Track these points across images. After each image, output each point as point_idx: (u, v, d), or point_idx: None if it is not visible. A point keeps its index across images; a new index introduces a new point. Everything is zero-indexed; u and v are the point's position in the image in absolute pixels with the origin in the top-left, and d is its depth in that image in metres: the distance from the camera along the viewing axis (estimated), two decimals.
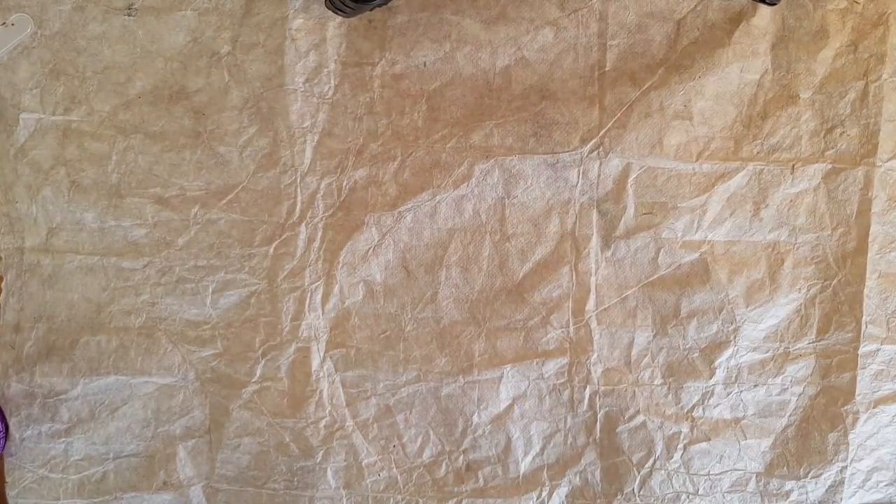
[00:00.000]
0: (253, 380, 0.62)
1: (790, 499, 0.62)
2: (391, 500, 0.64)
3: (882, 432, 0.62)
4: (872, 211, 0.60)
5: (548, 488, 0.63)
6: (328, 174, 0.60)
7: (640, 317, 0.62)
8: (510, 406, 0.63)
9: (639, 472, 0.63)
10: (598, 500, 0.64)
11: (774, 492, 0.62)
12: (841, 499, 0.62)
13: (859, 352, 0.61)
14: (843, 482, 0.62)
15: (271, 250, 0.61)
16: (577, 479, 0.63)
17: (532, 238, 0.61)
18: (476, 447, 0.63)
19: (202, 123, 0.60)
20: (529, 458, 0.63)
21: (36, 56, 0.59)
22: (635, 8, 0.58)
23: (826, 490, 0.62)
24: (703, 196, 0.60)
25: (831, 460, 0.62)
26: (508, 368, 0.62)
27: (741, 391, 0.62)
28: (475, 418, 0.63)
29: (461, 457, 0.63)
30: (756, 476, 0.63)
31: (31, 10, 0.59)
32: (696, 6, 0.58)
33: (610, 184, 0.60)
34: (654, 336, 0.62)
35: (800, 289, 0.61)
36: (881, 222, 0.60)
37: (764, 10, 0.58)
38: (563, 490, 0.63)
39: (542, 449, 0.63)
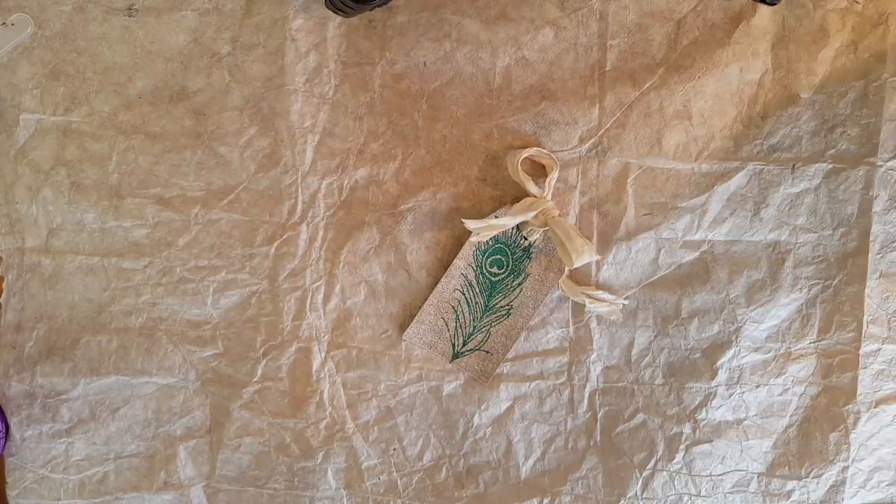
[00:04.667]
0: (254, 380, 0.62)
1: (791, 499, 0.62)
2: (391, 503, 0.64)
3: (883, 432, 0.62)
4: (873, 211, 0.60)
5: (549, 495, 0.63)
6: (329, 174, 0.60)
7: (640, 317, 0.62)
8: (510, 407, 0.63)
9: (641, 474, 0.63)
10: None
11: (776, 492, 0.62)
12: (842, 499, 0.62)
13: (860, 351, 0.61)
14: (845, 482, 0.62)
15: (272, 250, 0.61)
16: (579, 484, 0.63)
17: None
18: (477, 451, 0.63)
19: (203, 124, 0.60)
20: (530, 462, 0.63)
21: (36, 56, 0.59)
22: (635, 8, 0.58)
23: (827, 490, 0.62)
24: (703, 196, 0.60)
25: (832, 460, 0.62)
26: (508, 367, 0.62)
27: (743, 392, 0.62)
28: (476, 419, 0.63)
29: (461, 461, 0.63)
30: (758, 476, 0.63)
31: (31, 11, 0.59)
32: (696, 6, 0.58)
33: (610, 184, 0.60)
34: (655, 336, 0.62)
35: (801, 289, 0.61)
36: (882, 222, 0.60)
37: (764, 10, 0.58)
38: (565, 496, 0.63)
39: (543, 453, 0.63)
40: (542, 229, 0.59)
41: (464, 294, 0.61)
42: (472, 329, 0.61)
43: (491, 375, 0.62)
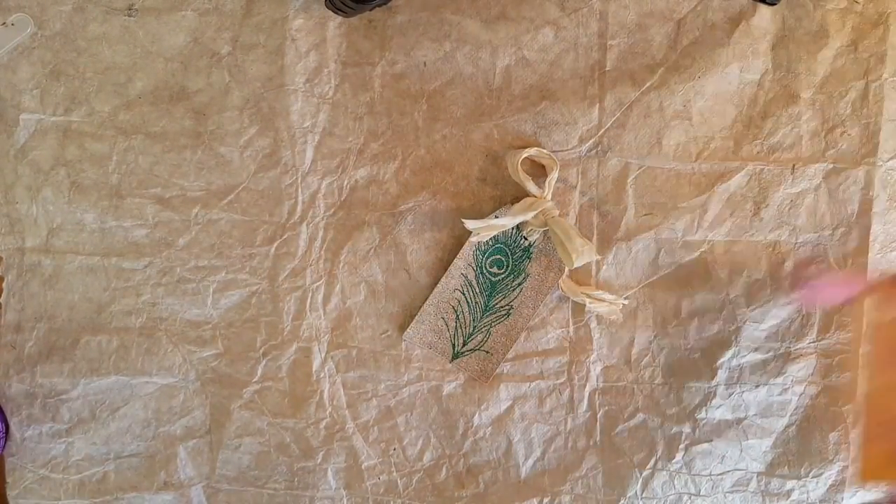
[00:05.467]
0: (254, 380, 0.62)
1: (791, 498, 0.62)
2: (391, 503, 0.64)
3: None
4: (873, 210, 0.60)
5: (549, 494, 0.63)
6: (329, 174, 0.60)
7: (640, 317, 0.62)
8: (510, 407, 0.63)
9: (640, 474, 0.63)
10: None
11: (776, 491, 0.62)
12: (842, 498, 0.62)
13: (860, 351, 0.61)
14: (845, 481, 0.62)
15: (272, 250, 0.61)
16: (579, 484, 0.63)
17: None
18: (477, 450, 0.63)
19: (203, 124, 0.60)
20: (530, 462, 0.63)
21: (36, 56, 0.59)
22: (635, 8, 0.58)
23: (827, 489, 0.62)
24: (704, 196, 0.60)
25: (832, 460, 0.62)
26: (508, 367, 0.62)
27: (742, 391, 0.62)
28: (476, 419, 0.63)
29: (461, 461, 0.63)
30: (757, 476, 0.63)
31: (31, 11, 0.59)
32: (696, 6, 0.58)
33: (609, 184, 0.60)
34: (655, 336, 0.62)
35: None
36: (882, 222, 0.60)
37: (764, 10, 0.58)
38: (564, 496, 0.63)
39: (543, 453, 0.63)
40: (541, 229, 0.60)
41: (464, 294, 0.61)
42: (472, 329, 0.61)
43: (491, 375, 0.62)
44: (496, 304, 0.61)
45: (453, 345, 0.62)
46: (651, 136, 0.59)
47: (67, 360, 0.62)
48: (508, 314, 0.61)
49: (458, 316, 0.61)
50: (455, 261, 0.60)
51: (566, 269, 0.60)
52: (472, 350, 0.61)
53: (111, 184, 0.60)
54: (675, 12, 0.59)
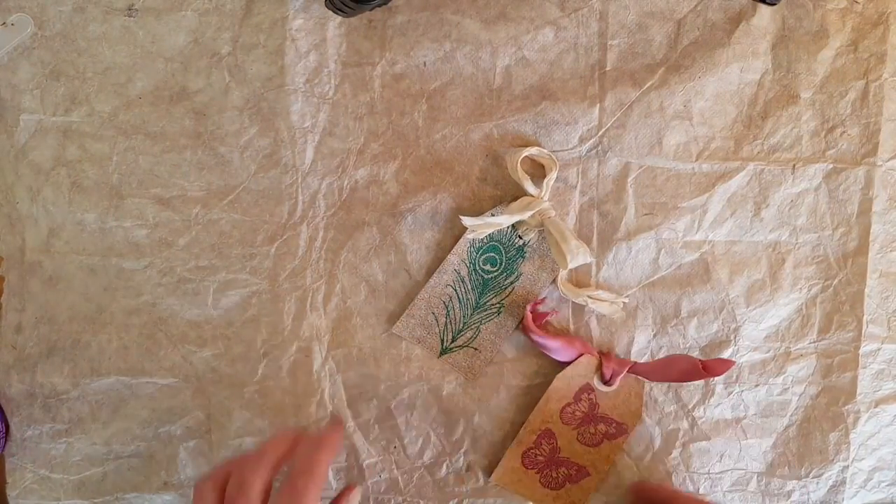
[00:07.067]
0: (254, 380, 0.62)
1: (792, 499, 0.62)
2: (392, 501, 0.64)
3: (883, 432, 0.62)
4: (873, 210, 0.60)
5: None
6: (329, 174, 0.60)
7: (640, 317, 0.62)
8: (511, 407, 0.63)
9: (638, 469, 0.63)
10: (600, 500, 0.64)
11: (776, 492, 0.62)
12: (843, 499, 0.62)
13: (860, 351, 0.61)
14: (845, 482, 0.62)
15: (273, 250, 0.61)
16: None
17: None
18: (477, 448, 0.63)
19: (203, 124, 0.60)
20: None
21: (36, 57, 0.59)
22: (635, 8, 0.59)
23: (828, 490, 0.63)
24: (704, 196, 0.60)
25: (833, 460, 0.62)
26: (509, 367, 0.62)
27: (742, 391, 0.62)
28: (476, 418, 0.63)
29: (462, 458, 0.63)
30: (757, 476, 0.63)
31: (31, 11, 0.59)
32: (696, 6, 0.59)
33: (610, 184, 0.60)
34: (655, 335, 0.62)
35: (801, 289, 0.61)
36: (882, 222, 0.60)
37: (764, 10, 0.58)
38: None
39: None
40: (537, 229, 0.60)
41: (455, 290, 0.61)
42: (461, 325, 0.61)
43: (479, 373, 0.62)
44: (487, 301, 0.61)
45: (442, 340, 0.61)
46: (651, 136, 0.59)
47: (67, 360, 0.62)
48: (499, 312, 0.61)
49: (448, 311, 0.61)
50: (448, 256, 0.60)
51: (561, 271, 0.60)
52: (461, 346, 0.61)
53: (111, 184, 0.60)
54: (675, 12, 0.59)
